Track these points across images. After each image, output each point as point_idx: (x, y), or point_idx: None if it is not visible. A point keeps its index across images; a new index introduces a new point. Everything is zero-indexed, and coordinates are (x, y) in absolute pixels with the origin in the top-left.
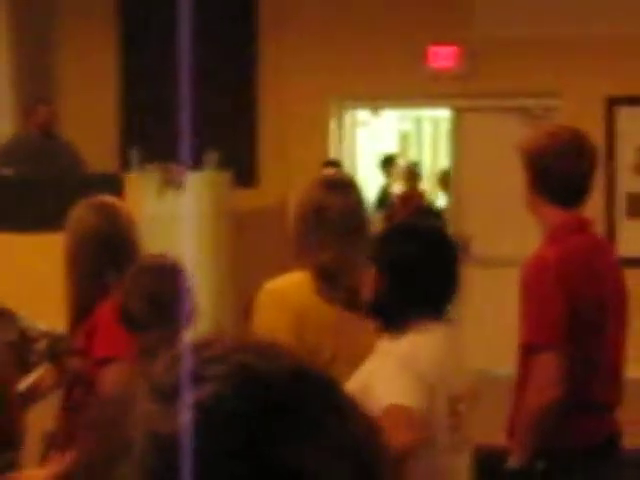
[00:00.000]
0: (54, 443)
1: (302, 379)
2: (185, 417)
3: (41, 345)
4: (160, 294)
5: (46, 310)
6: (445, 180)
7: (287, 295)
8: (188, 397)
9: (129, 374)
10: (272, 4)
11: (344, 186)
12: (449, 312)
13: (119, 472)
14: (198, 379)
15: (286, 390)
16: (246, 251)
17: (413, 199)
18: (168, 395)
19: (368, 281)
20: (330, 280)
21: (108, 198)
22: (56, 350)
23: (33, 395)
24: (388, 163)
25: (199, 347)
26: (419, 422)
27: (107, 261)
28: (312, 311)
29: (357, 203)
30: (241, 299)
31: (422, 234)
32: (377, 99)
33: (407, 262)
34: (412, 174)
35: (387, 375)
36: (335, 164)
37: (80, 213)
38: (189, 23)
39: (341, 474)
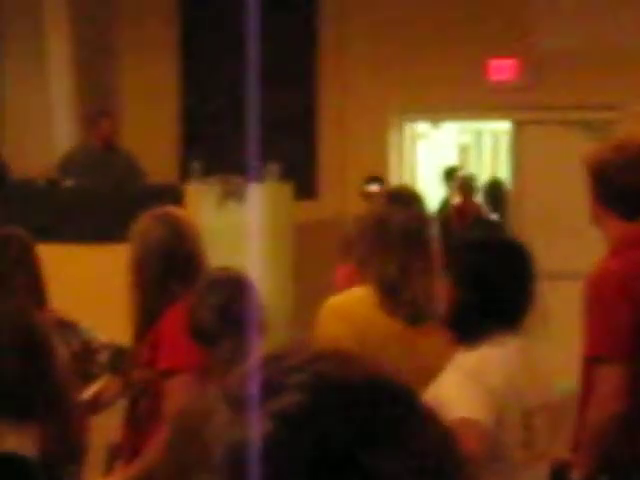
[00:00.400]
0: (118, 455)
1: (380, 387)
2: (265, 427)
3: (103, 357)
4: (230, 308)
5: (107, 321)
6: (491, 192)
7: (349, 309)
8: (268, 407)
9: (203, 386)
10: (334, 18)
11: (407, 198)
12: (524, 325)
13: None
14: (277, 389)
15: (365, 398)
16: (305, 263)
17: (468, 211)
18: (247, 405)
19: (444, 293)
20: (393, 294)
21: (173, 209)
22: (118, 362)
23: (95, 406)
24: (450, 175)
25: (276, 357)
26: (487, 436)
27: (172, 273)
28: (375, 325)
29: (420, 215)
30: (299, 311)
31: (499, 246)
32: (437, 112)
33: (483, 274)
34: (467, 186)
35: (456, 388)
36: (378, 180)
37: (145, 224)
38: (252, 38)
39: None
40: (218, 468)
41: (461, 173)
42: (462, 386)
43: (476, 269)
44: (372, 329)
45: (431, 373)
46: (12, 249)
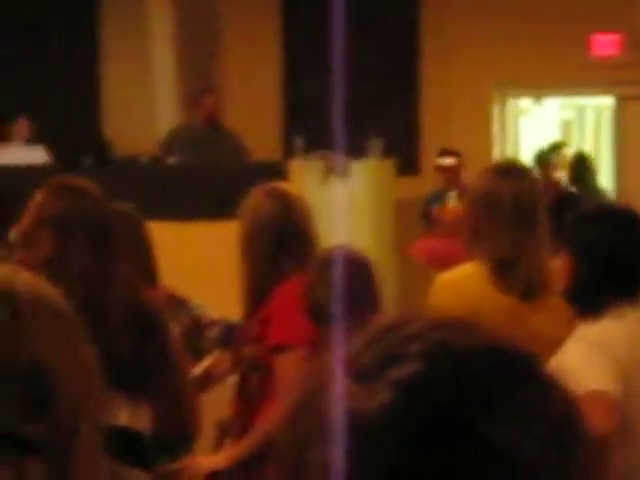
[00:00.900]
0: (229, 431)
1: (502, 355)
2: (387, 396)
3: (213, 332)
4: (347, 286)
5: (216, 298)
6: (576, 166)
7: (462, 285)
8: (387, 376)
9: (316, 363)
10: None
11: (516, 172)
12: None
13: (315, 453)
14: (397, 358)
15: (487, 366)
16: (407, 240)
17: (547, 187)
18: (367, 375)
19: (562, 267)
20: (507, 269)
21: (283, 185)
22: (228, 338)
23: (206, 382)
24: (555, 151)
25: (395, 327)
26: (617, 409)
27: (283, 248)
28: (488, 301)
29: (530, 189)
30: (402, 287)
31: (614, 217)
32: (540, 87)
33: (603, 246)
34: (543, 162)
35: (583, 360)
36: (452, 153)
37: (256, 200)
38: (350, 14)
39: (542, 450)
40: (336, 439)
41: (570, 149)
42: (588, 357)
43: (594, 242)
44: (484, 304)
45: (546, 348)
46: (123, 226)
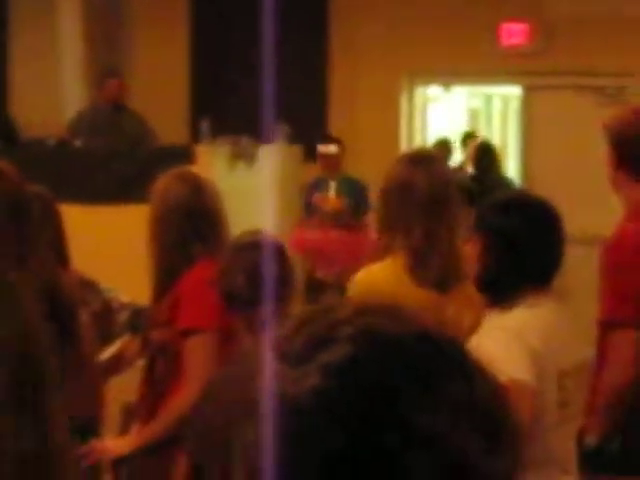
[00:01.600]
0: (135, 415)
1: (429, 340)
2: (316, 379)
3: (123, 316)
4: (262, 271)
5: (124, 281)
6: (480, 156)
7: (378, 283)
8: (316, 360)
9: (226, 348)
10: None
11: (429, 160)
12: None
13: (242, 433)
14: (326, 342)
15: (415, 351)
16: None
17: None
18: (297, 358)
19: (474, 254)
20: (421, 262)
21: (192, 169)
22: (137, 322)
23: (115, 365)
24: (465, 141)
25: (324, 311)
26: (534, 397)
27: (192, 232)
28: (405, 297)
29: (443, 176)
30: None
31: (528, 206)
32: (448, 75)
33: (516, 234)
34: (445, 148)
35: (500, 349)
36: (334, 141)
37: (165, 184)
38: (258, 2)
39: (468, 435)
40: (264, 420)
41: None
42: (507, 346)
43: (506, 231)
44: (402, 300)
45: (465, 338)
46: (36, 208)
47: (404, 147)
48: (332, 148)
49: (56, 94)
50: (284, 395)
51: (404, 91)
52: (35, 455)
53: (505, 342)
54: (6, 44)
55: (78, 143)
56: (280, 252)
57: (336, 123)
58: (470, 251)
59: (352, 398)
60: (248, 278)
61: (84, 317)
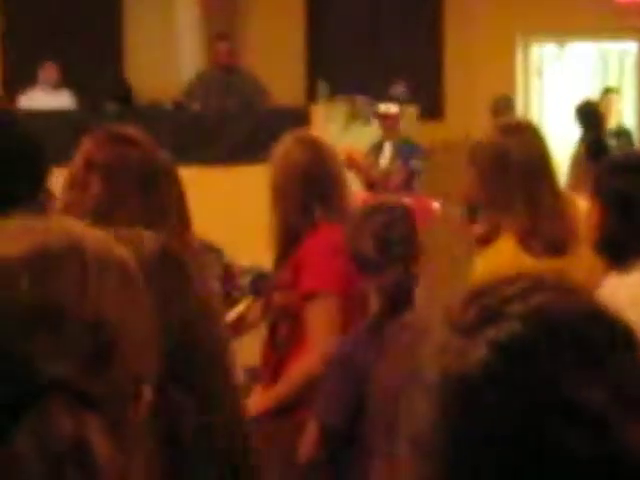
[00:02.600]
0: (258, 377)
1: (599, 321)
2: (484, 353)
3: (244, 280)
4: (391, 236)
5: (242, 243)
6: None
7: (499, 269)
8: (485, 334)
9: (348, 312)
10: None
11: (522, 128)
12: None
13: (415, 401)
14: (497, 317)
15: (583, 331)
16: (433, 184)
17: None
18: (466, 330)
19: (594, 217)
20: (532, 232)
21: (311, 133)
22: (259, 285)
23: (238, 328)
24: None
25: (497, 285)
26: None
27: (313, 196)
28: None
29: (537, 144)
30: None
31: None
32: (563, 33)
33: (632, 198)
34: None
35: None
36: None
37: (286, 148)
38: None
39: (629, 415)
40: (430, 389)
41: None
42: (626, 308)
43: (625, 193)
44: None
45: None
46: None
47: (520, 106)
48: (392, 108)
49: (171, 58)
50: (452, 366)
51: (519, 49)
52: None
53: (624, 304)
54: (121, 8)
55: (195, 106)
56: (406, 215)
57: (452, 82)
58: (590, 214)
59: (515, 374)
60: (377, 242)
61: (212, 283)
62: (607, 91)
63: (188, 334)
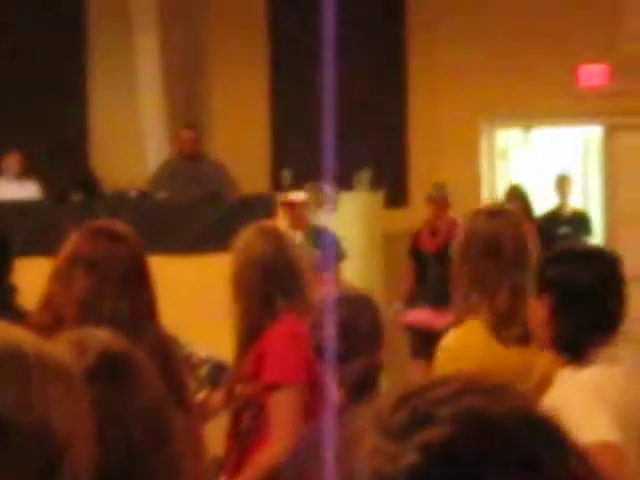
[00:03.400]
0: (222, 468)
1: (531, 423)
2: (414, 457)
3: (202, 371)
4: (356, 326)
5: (202, 333)
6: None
7: (465, 349)
8: (415, 438)
9: (311, 402)
10: (420, 23)
11: (507, 214)
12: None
13: None
14: (427, 420)
15: (515, 433)
16: (395, 272)
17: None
18: (396, 434)
19: (540, 311)
20: (507, 320)
21: (273, 223)
22: (217, 376)
23: (201, 415)
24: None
25: (427, 387)
26: (625, 458)
27: (275, 287)
28: (494, 360)
29: (521, 230)
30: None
31: (589, 256)
32: (528, 118)
33: (585, 286)
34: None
35: (583, 409)
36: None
37: (247, 238)
38: (335, 45)
39: None
40: None
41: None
42: (591, 407)
43: (577, 283)
44: (493, 364)
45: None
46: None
47: (486, 193)
48: (298, 196)
49: (137, 147)
50: (381, 470)
51: (484, 134)
52: None
53: (588, 402)
54: (86, 97)
55: (160, 195)
56: (370, 304)
57: (417, 169)
58: (537, 311)
59: (446, 478)
60: (341, 332)
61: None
62: (561, 178)
63: (129, 455)
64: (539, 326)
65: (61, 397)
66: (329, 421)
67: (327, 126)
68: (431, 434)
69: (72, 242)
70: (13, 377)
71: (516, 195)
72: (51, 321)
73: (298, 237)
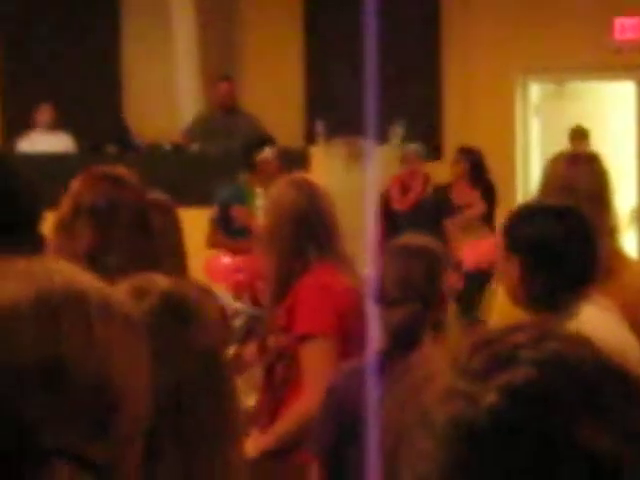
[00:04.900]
0: (254, 420)
1: (614, 373)
2: (491, 398)
3: (238, 322)
4: (411, 274)
5: None
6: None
7: None
8: (496, 380)
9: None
10: None
11: (585, 158)
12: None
13: (421, 445)
14: (509, 362)
15: (599, 380)
16: None
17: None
18: (475, 376)
19: (513, 275)
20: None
21: (306, 176)
22: (252, 327)
23: (235, 368)
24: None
25: (505, 332)
26: None
27: (308, 238)
28: None
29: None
30: None
31: (562, 214)
32: (561, 71)
33: (558, 247)
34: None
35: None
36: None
37: (279, 191)
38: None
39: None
40: (441, 438)
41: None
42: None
43: (546, 242)
44: None
45: None
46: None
47: (520, 145)
48: (268, 153)
49: (171, 99)
50: (459, 413)
51: (518, 88)
52: None
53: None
54: (121, 50)
55: (194, 147)
56: (433, 257)
57: (451, 121)
58: (505, 268)
59: (529, 421)
60: (396, 278)
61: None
62: (575, 130)
63: (179, 398)
64: (512, 285)
65: (121, 345)
66: (372, 363)
67: (363, 80)
68: (514, 376)
69: (73, 190)
70: (75, 322)
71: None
72: None
73: (262, 194)
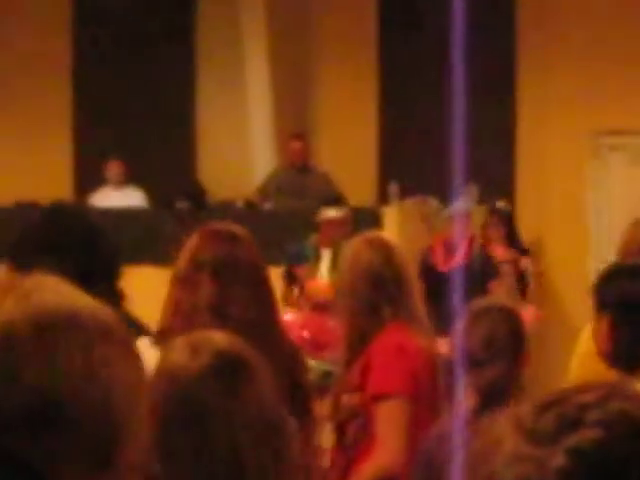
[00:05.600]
0: (326, 478)
1: None
2: (560, 461)
3: (311, 377)
4: (496, 337)
5: None
6: None
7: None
8: (563, 441)
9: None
10: (533, 41)
11: None
12: None
13: None
14: (575, 424)
15: None
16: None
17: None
18: (542, 439)
19: (602, 331)
20: None
21: (382, 234)
22: (324, 384)
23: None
24: None
25: (571, 392)
26: None
27: (382, 297)
28: None
29: None
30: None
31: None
32: (636, 134)
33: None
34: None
35: None
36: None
37: (355, 249)
38: (458, 63)
39: None
40: None
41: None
42: None
43: (624, 300)
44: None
45: None
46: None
47: (591, 213)
48: (337, 213)
49: (244, 156)
50: (529, 476)
51: (591, 154)
52: None
53: None
54: (195, 107)
55: (267, 205)
56: (513, 315)
57: (524, 184)
58: (598, 329)
59: None
60: (483, 338)
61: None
62: None
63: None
64: (602, 342)
65: (121, 364)
66: (458, 425)
67: (437, 138)
68: (581, 438)
69: (191, 245)
70: (75, 344)
71: None
72: (182, 326)
73: (326, 255)
